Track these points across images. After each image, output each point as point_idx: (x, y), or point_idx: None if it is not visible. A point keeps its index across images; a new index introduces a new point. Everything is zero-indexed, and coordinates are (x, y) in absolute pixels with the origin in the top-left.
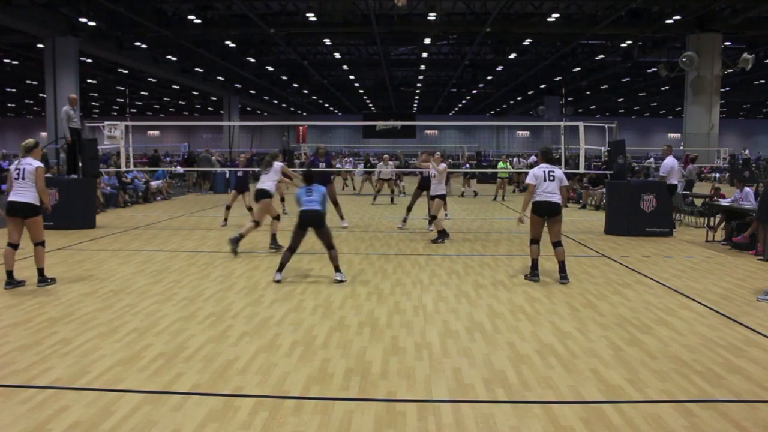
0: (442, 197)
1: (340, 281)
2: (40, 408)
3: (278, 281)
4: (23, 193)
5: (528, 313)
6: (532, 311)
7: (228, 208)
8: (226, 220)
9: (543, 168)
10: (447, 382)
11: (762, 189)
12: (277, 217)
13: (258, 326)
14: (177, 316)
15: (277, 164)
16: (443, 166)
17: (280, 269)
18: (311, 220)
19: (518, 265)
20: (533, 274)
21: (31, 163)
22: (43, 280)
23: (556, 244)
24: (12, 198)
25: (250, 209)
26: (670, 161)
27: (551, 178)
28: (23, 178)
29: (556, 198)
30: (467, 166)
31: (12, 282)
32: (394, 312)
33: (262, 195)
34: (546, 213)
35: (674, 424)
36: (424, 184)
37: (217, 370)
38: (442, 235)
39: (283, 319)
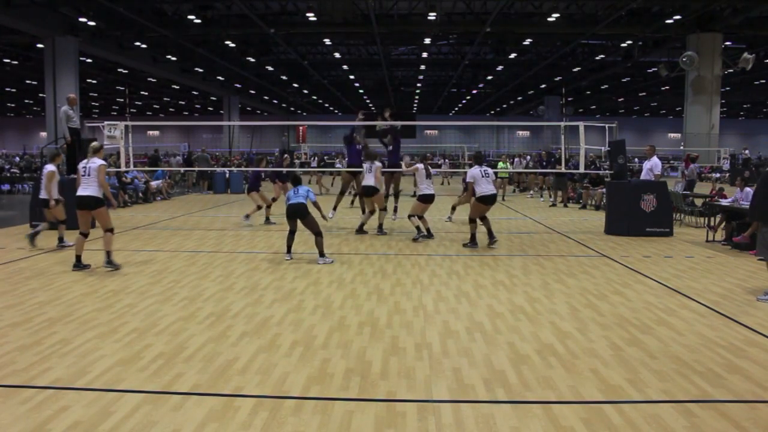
0: (421, 198)
1: (324, 263)
2: (40, 408)
3: (289, 259)
4: (87, 187)
5: (528, 313)
6: (532, 311)
7: (268, 206)
8: (268, 218)
9: (479, 168)
10: (447, 382)
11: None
12: (384, 209)
13: (258, 326)
14: (177, 316)
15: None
16: (418, 166)
17: (288, 250)
18: (295, 211)
19: (518, 264)
20: (473, 243)
21: (96, 162)
22: (109, 262)
23: (485, 218)
24: (79, 192)
25: (259, 207)
26: (658, 160)
27: (486, 174)
28: (89, 175)
29: (494, 191)
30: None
31: (79, 265)
32: (394, 312)
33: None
34: (490, 203)
35: (674, 424)
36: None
37: (217, 370)
38: (420, 232)
39: (283, 319)
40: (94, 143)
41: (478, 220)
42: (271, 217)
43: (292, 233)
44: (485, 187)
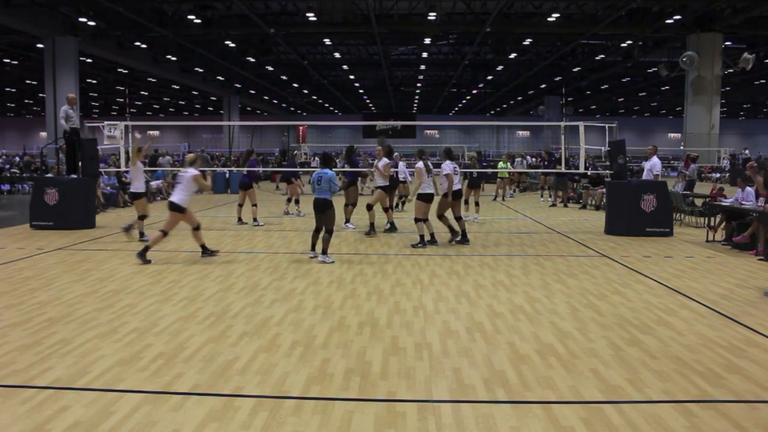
0: (421, 197)
1: (324, 262)
2: (40, 408)
3: (313, 257)
4: (176, 194)
5: (528, 313)
6: (532, 311)
7: (254, 205)
8: (240, 219)
9: (452, 164)
10: (447, 382)
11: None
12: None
13: (258, 326)
14: (177, 316)
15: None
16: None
17: (312, 248)
18: (318, 206)
19: (518, 264)
20: (456, 236)
21: (188, 172)
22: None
23: (459, 217)
24: (170, 198)
25: (254, 205)
26: (657, 160)
27: (456, 172)
28: (180, 183)
29: (459, 186)
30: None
31: (144, 254)
32: (394, 312)
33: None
34: (458, 197)
35: (674, 424)
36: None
37: (217, 370)
38: (422, 241)
39: (283, 319)
40: (189, 155)
41: (448, 217)
42: (246, 219)
43: (317, 231)
44: (455, 183)
